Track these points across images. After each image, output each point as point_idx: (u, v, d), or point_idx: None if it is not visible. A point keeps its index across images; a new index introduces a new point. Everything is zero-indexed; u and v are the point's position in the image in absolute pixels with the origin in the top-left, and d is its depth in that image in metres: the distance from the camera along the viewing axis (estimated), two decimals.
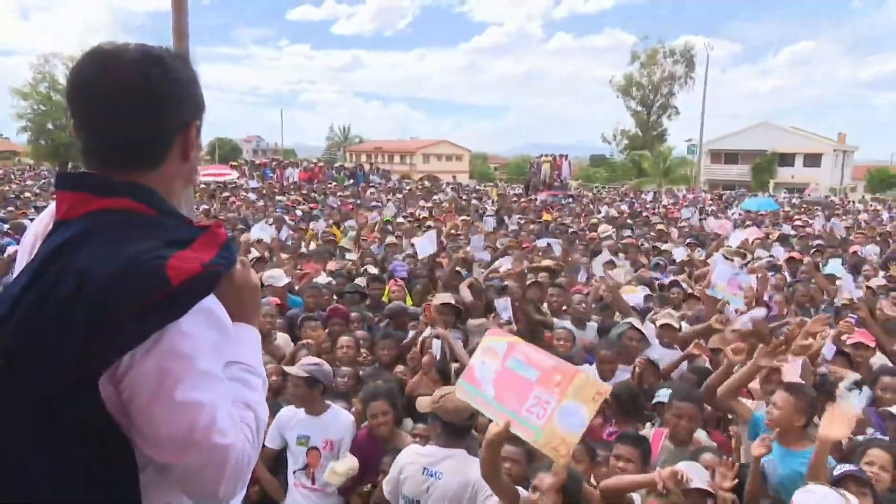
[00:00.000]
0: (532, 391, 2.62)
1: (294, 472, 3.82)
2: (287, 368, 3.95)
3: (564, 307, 6.32)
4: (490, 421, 2.73)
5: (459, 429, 3.16)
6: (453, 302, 5.38)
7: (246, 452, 1.21)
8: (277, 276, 6.40)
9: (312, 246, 9.80)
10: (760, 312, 5.14)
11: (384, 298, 6.70)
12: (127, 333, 1.11)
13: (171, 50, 1.31)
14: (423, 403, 3.36)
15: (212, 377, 1.18)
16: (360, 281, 7.14)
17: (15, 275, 1.33)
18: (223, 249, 1.27)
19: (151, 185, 1.26)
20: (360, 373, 4.79)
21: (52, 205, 1.31)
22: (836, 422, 2.98)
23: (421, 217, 14.65)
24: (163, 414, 1.14)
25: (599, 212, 18.06)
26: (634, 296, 6.51)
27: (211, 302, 1.21)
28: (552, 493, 2.81)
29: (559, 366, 2.67)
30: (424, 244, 7.56)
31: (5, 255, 7.60)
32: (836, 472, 2.97)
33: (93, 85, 1.21)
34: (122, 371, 1.13)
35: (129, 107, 1.21)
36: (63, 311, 1.11)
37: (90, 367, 1.12)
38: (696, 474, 2.96)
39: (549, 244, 10.09)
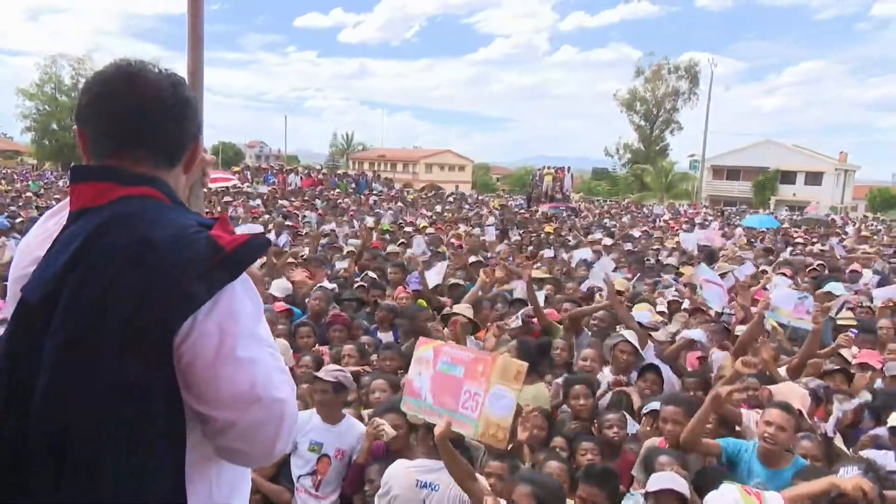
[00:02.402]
0: (462, 387, 2.75)
1: (298, 478, 3.76)
2: (315, 374, 3.91)
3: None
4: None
5: (452, 441, 3.09)
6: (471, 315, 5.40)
7: (294, 410, 1.29)
8: (282, 288, 6.43)
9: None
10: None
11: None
12: (195, 293, 1.17)
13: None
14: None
15: (260, 339, 1.27)
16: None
17: (13, 271, 1.34)
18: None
19: (165, 179, 1.37)
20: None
21: (57, 205, 1.36)
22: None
23: (422, 227, 14.66)
24: (226, 371, 1.19)
25: (602, 226, 18.08)
26: (643, 313, 6.47)
27: (247, 275, 1.29)
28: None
29: (479, 356, 2.80)
30: (433, 275, 7.44)
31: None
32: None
33: (122, 94, 1.31)
34: (182, 336, 1.17)
35: (156, 115, 1.32)
36: (130, 281, 1.16)
37: (171, 329, 1.16)
38: (676, 482, 3.00)
39: (554, 255, 10.10)
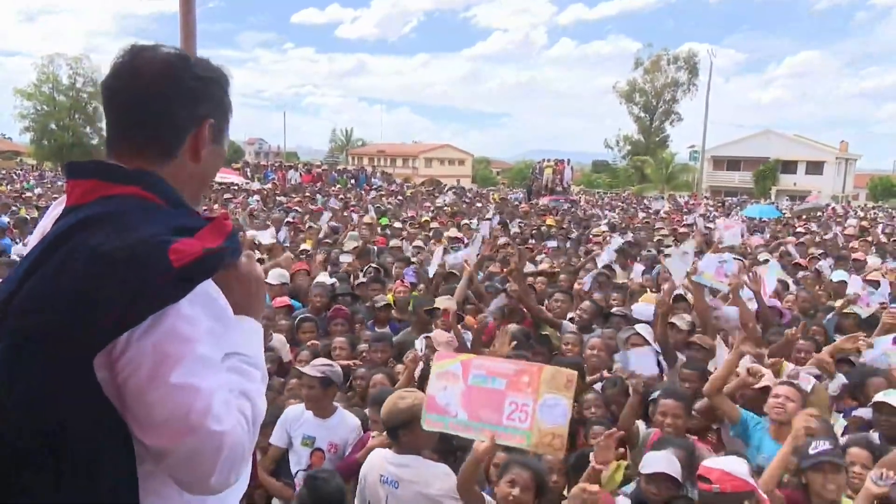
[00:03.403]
0: (506, 399, 2.70)
1: (296, 473, 3.78)
2: (301, 369, 3.90)
3: (570, 315, 6.24)
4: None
5: (397, 436, 2.99)
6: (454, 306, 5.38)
7: (240, 442, 1.19)
8: (277, 275, 6.40)
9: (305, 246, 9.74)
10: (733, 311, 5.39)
11: (390, 299, 6.66)
12: (127, 311, 1.11)
13: (183, 51, 1.39)
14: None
15: (210, 363, 1.18)
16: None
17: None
18: (229, 239, 1.30)
19: (164, 176, 1.30)
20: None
21: (62, 197, 1.34)
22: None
23: (423, 220, 14.62)
24: (158, 396, 1.12)
25: (604, 217, 18.04)
26: (647, 307, 6.43)
27: (213, 290, 1.23)
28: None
29: (522, 368, 2.77)
30: (433, 267, 7.35)
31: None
32: (811, 451, 3.04)
33: (120, 78, 1.30)
34: (118, 351, 1.13)
35: (145, 99, 1.29)
36: (70, 287, 1.12)
37: (91, 343, 1.12)
38: (670, 466, 3.02)
39: (558, 246, 10.06)
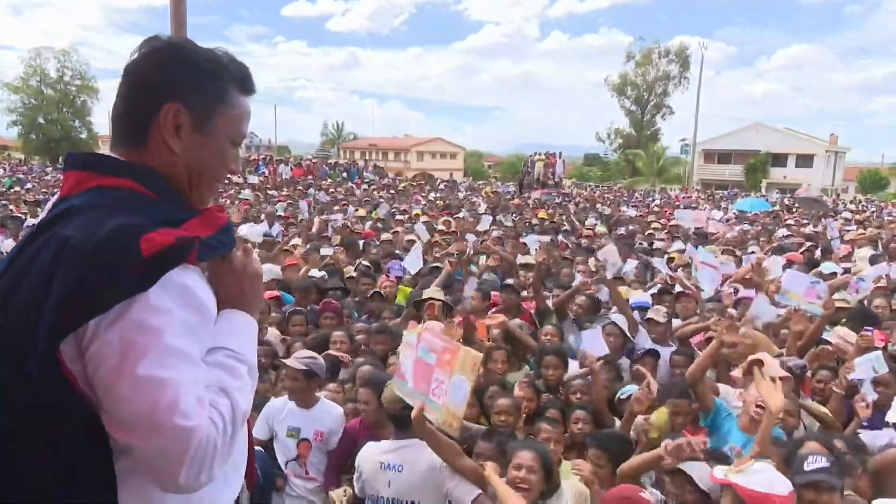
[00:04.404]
0: (433, 374, 2.89)
1: (286, 464, 3.84)
2: (284, 361, 3.93)
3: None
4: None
5: (401, 418, 3.12)
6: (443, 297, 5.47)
7: (211, 439, 1.13)
8: (268, 271, 6.37)
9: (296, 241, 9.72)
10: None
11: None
12: (93, 298, 1.09)
13: (182, 39, 1.38)
14: (390, 395, 3.30)
15: (182, 356, 1.14)
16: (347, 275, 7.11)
17: None
18: (220, 232, 1.29)
19: (155, 167, 1.29)
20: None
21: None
22: (772, 393, 3.14)
23: (415, 214, 14.61)
24: (124, 389, 1.10)
25: (595, 210, 18.07)
26: (642, 295, 6.46)
27: (191, 281, 1.20)
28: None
29: (447, 346, 2.92)
30: (413, 260, 7.42)
31: None
32: (807, 467, 2.80)
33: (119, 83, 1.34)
34: (87, 340, 1.11)
35: (122, 90, 1.31)
36: (43, 274, 1.12)
37: (57, 330, 1.09)
38: (697, 472, 2.90)
39: (552, 240, 10.09)
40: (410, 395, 2.97)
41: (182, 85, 1.30)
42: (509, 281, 6.52)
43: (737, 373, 4.37)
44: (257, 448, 3.65)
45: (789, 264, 8.33)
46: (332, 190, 21.92)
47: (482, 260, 8.39)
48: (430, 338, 2.99)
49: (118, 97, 1.31)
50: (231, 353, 1.27)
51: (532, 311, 5.87)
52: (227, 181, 23.15)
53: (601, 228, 13.15)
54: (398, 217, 13.84)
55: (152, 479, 1.17)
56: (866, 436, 3.74)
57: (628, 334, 5.12)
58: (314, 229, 10.65)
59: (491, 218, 13.58)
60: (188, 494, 1.21)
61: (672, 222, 13.81)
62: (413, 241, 9.64)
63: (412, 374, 2.99)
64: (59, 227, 1.17)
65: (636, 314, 5.57)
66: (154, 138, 1.29)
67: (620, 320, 5.15)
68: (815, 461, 2.77)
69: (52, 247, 1.14)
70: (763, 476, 2.50)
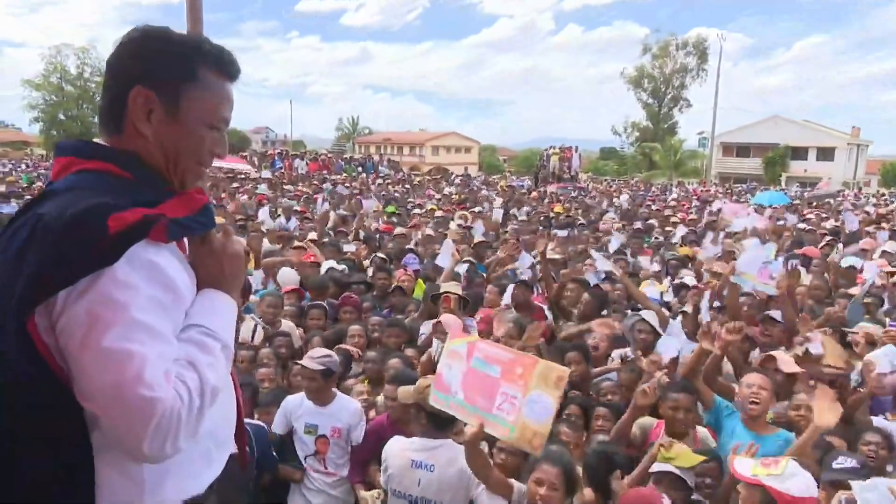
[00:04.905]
0: (499, 388, 2.68)
1: (306, 459, 3.87)
2: (301, 363, 3.92)
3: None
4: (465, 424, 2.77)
5: (445, 419, 3.05)
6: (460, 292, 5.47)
7: (175, 410, 1.16)
8: (289, 278, 6.43)
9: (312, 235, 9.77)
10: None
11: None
12: (61, 271, 1.13)
13: (160, 27, 1.38)
14: (405, 394, 3.28)
15: (148, 331, 1.17)
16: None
17: None
18: (199, 213, 1.33)
19: (134, 150, 1.33)
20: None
21: None
22: (827, 410, 3.10)
23: (429, 209, 14.59)
24: (90, 361, 1.14)
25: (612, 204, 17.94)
26: (651, 291, 6.41)
27: (162, 260, 1.23)
28: None
29: (518, 358, 2.72)
30: (444, 257, 7.19)
31: None
32: (835, 465, 2.90)
33: None
34: (57, 313, 1.16)
35: (104, 81, 1.38)
36: (19, 251, 1.17)
37: (25, 301, 1.14)
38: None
39: (569, 234, 10.02)
40: (459, 408, 2.77)
41: (149, 70, 1.33)
42: (522, 277, 6.48)
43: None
44: (257, 424, 3.67)
45: (805, 259, 8.22)
46: (347, 184, 21.96)
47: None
48: (490, 348, 2.79)
49: (102, 89, 1.38)
50: (205, 330, 1.30)
51: (546, 307, 5.84)
52: (243, 175, 23.40)
53: (616, 224, 13.04)
54: (415, 211, 13.85)
55: (119, 449, 1.21)
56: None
57: (659, 330, 5.03)
58: (330, 223, 10.69)
59: (503, 212, 13.52)
60: (165, 467, 1.26)
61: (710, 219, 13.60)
62: (431, 237, 9.63)
63: (462, 387, 2.78)
64: (38, 207, 1.22)
65: (648, 313, 5.47)
66: (128, 124, 1.34)
67: (650, 316, 5.02)
68: (845, 461, 2.84)
69: (28, 225, 1.18)
70: (800, 480, 2.49)
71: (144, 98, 1.32)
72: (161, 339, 1.19)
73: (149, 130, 1.34)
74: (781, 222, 13.02)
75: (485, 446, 3.05)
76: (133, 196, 1.24)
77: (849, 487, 2.57)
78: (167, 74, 1.34)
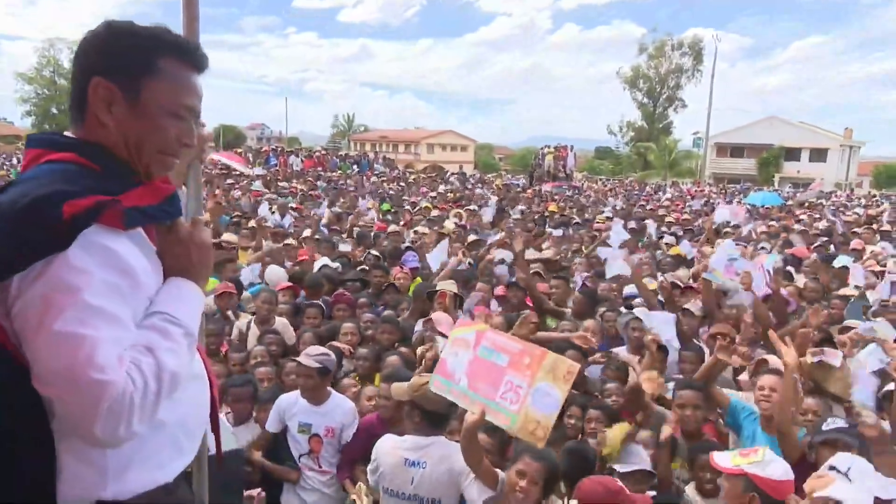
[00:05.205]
0: (504, 377, 2.68)
1: (300, 458, 3.86)
2: (298, 360, 3.90)
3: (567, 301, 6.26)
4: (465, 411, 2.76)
5: (440, 416, 3.08)
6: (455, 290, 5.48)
7: (127, 394, 1.17)
8: (275, 276, 6.44)
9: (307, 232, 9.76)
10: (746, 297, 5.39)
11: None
12: (13, 256, 1.14)
13: (123, 21, 1.40)
14: (398, 391, 3.26)
15: (102, 315, 1.18)
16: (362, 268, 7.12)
17: None
18: (164, 202, 1.35)
19: (99, 141, 1.36)
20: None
21: None
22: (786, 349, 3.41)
23: (424, 207, 14.59)
24: (42, 344, 1.15)
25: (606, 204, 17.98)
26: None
27: (120, 247, 1.24)
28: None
29: (527, 349, 2.72)
30: (437, 255, 7.28)
31: None
32: (825, 427, 3.07)
33: None
34: (12, 298, 1.18)
35: (72, 72, 1.41)
36: None
37: None
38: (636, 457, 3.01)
39: (563, 234, 10.03)
40: (462, 395, 2.77)
41: (108, 61, 1.35)
42: (515, 278, 6.50)
43: (744, 376, 4.39)
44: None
45: (796, 260, 8.27)
46: (342, 182, 21.94)
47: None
48: (498, 337, 2.80)
49: (70, 84, 1.41)
50: (167, 317, 1.31)
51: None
52: (237, 172, 23.33)
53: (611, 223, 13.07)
54: (406, 208, 13.84)
55: (75, 434, 1.22)
56: None
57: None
58: (324, 220, 10.68)
59: (494, 210, 13.53)
60: (128, 456, 1.29)
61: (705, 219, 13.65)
62: (422, 234, 9.63)
63: (466, 374, 2.78)
64: (1, 196, 1.24)
65: (642, 311, 5.51)
66: (90, 115, 1.37)
67: (644, 315, 5.07)
68: (834, 422, 3.02)
69: None
70: (779, 465, 2.62)
71: (104, 89, 1.34)
72: (115, 324, 1.20)
73: (110, 121, 1.36)
74: (773, 223, 13.11)
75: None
76: (94, 184, 1.26)
77: (841, 447, 2.77)
78: (126, 65, 1.36)
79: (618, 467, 3.18)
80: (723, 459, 2.71)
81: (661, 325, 4.69)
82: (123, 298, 1.23)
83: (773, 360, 4.11)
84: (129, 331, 1.23)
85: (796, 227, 13.18)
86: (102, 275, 1.19)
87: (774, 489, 2.55)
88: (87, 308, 1.16)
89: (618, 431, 3.52)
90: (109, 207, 1.22)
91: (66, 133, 1.39)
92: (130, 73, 1.36)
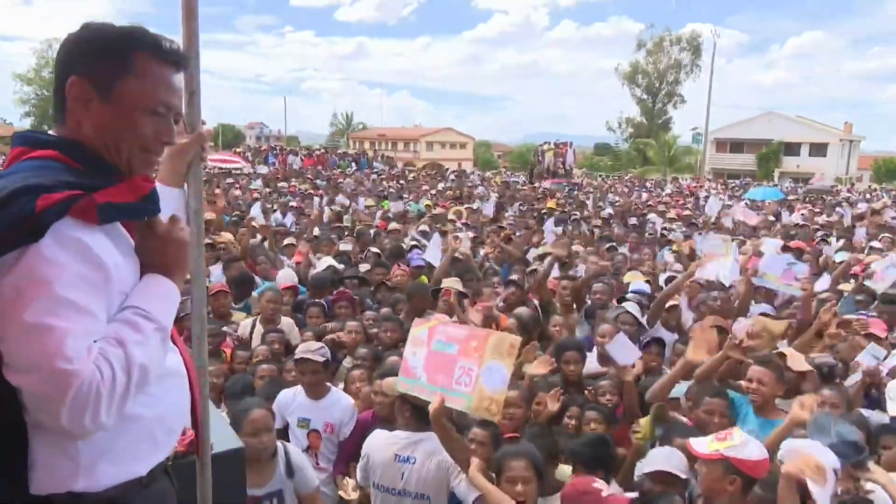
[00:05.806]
0: (457, 364, 2.83)
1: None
2: (305, 356, 3.88)
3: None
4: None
5: (424, 411, 3.03)
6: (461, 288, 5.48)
7: (94, 384, 1.19)
8: (284, 277, 6.44)
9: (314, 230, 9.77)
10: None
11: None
12: None
13: (101, 23, 1.43)
14: (389, 386, 3.25)
15: (73, 306, 1.20)
16: (362, 266, 7.15)
17: None
18: (143, 199, 1.37)
19: (78, 139, 1.38)
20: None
21: None
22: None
23: (424, 205, 14.59)
24: (12, 334, 1.17)
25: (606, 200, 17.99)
26: (641, 283, 6.46)
27: (94, 241, 1.26)
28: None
29: (472, 332, 2.87)
30: (433, 252, 7.17)
31: None
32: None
33: None
34: None
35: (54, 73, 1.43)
36: None
37: None
38: (674, 460, 2.94)
39: (563, 231, 10.04)
40: (423, 390, 2.91)
41: (83, 60, 1.38)
42: (513, 276, 6.51)
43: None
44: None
45: (797, 252, 8.27)
46: (340, 180, 21.94)
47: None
48: (448, 328, 2.93)
49: (57, 79, 1.42)
50: (139, 311, 1.33)
51: (537, 304, 5.86)
52: (238, 171, 23.33)
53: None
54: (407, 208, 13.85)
55: (41, 422, 1.23)
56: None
57: (643, 322, 5.06)
58: (325, 219, 10.69)
59: (493, 206, 13.52)
60: (101, 448, 1.32)
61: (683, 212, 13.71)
62: (425, 233, 9.64)
63: (424, 369, 2.93)
64: None
65: (632, 305, 5.48)
66: (69, 113, 1.40)
67: (633, 308, 5.07)
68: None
69: None
70: (754, 445, 2.66)
71: (79, 87, 1.37)
72: (86, 316, 1.22)
73: (86, 119, 1.38)
74: (772, 218, 13.11)
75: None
76: (72, 180, 1.27)
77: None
78: (100, 63, 1.38)
79: (645, 467, 3.05)
80: (700, 445, 2.73)
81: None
82: (95, 291, 1.25)
83: (790, 354, 3.98)
84: (99, 323, 1.25)
85: (797, 220, 13.20)
86: (74, 267, 1.21)
87: (753, 469, 2.60)
88: (58, 299, 1.18)
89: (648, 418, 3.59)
90: (81, 201, 1.23)
91: (49, 131, 1.43)
92: (105, 71, 1.38)
